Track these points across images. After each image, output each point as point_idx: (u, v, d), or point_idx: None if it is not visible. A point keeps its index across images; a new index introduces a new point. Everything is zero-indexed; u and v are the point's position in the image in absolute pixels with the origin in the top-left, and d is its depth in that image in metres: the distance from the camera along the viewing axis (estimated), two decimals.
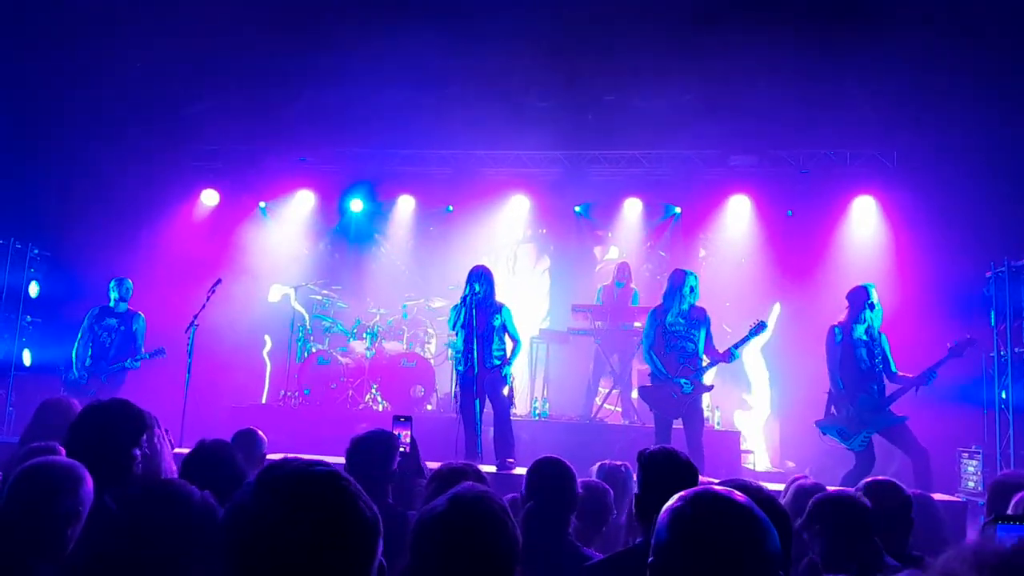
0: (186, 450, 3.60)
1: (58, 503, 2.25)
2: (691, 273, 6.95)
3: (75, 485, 2.30)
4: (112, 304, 8.06)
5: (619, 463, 4.37)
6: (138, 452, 2.56)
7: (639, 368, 9.10)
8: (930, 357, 6.57)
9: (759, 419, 10.30)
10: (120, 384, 7.90)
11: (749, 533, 1.38)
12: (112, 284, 8.10)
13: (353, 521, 1.14)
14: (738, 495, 1.44)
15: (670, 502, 1.47)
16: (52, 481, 2.28)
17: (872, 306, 6.60)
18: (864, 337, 6.59)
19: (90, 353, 7.92)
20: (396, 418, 4.23)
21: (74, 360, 7.94)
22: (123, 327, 8.01)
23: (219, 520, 1.23)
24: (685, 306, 6.83)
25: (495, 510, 1.85)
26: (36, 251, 9.88)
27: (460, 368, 7.11)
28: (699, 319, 6.88)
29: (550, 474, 3.22)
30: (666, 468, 2.68)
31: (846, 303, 6.70)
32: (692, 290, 6.87)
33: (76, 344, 7.98)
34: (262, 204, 11.50)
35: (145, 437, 2.83)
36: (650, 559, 1.43)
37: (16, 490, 2.28)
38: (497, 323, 7.03)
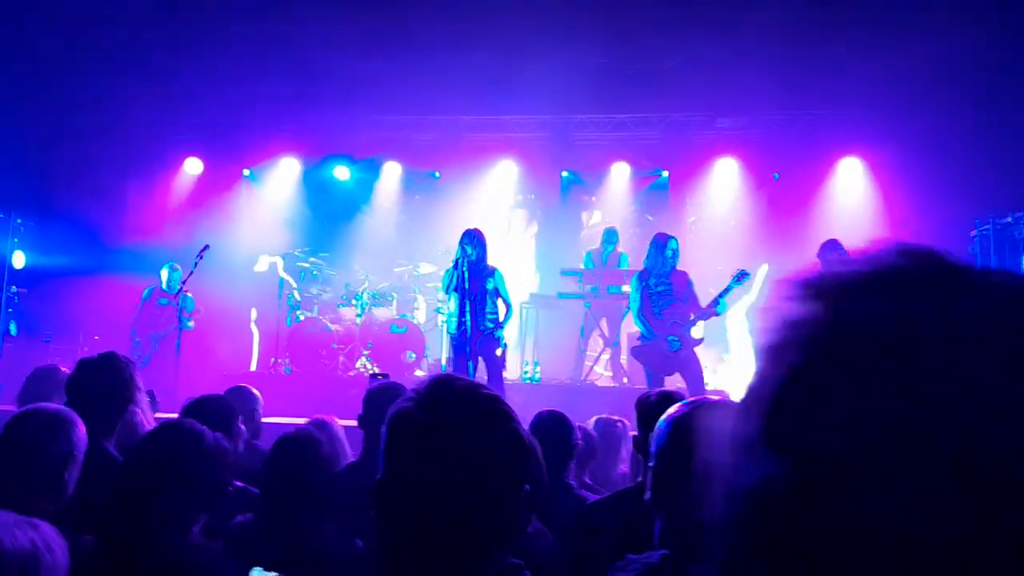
0: (174, 416, 3.62)
1: (51, 445, 2.28)
2: (672, 237, 7.09)
3: (67, 428, 2.33)
4: (164, 287, 9.04)
5: (615, 418, 4.44)
6: (140, 397, 2.58)
7: (628, 331, 9.16)
8: None
9: (740, 380, 10.40)
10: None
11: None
12: (166, 268, 9.13)
13: (512, 442, 1.17)
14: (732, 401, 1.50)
15: (670, 411, 1.51)
16: (42, 424, 2.32)
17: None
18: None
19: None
20: (373, 375, 4.27)
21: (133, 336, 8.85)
22: (174, 303, 8.61)
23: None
24: (668, 268, 6.96)
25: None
26: (20, 221, 9.77)
27: (453, 331, 7.13)
28: (681, 279, 7.00)
29: (550, 425, 3.30)
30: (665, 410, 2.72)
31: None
32: (674, 253, 7.00)
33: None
34: (247, 172, 11.39)
35: (139, 384, 2.86)
36: (651, 463, 1.47)
37: (8, 435, 2.30)
38: (490, 286, 7.05)
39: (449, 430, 1.13)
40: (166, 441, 2.06)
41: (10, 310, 9.67)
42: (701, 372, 7.03)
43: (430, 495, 1.10)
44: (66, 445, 2.29)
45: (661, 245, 7.03)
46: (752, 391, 0.51)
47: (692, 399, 1.54)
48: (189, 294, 8.71)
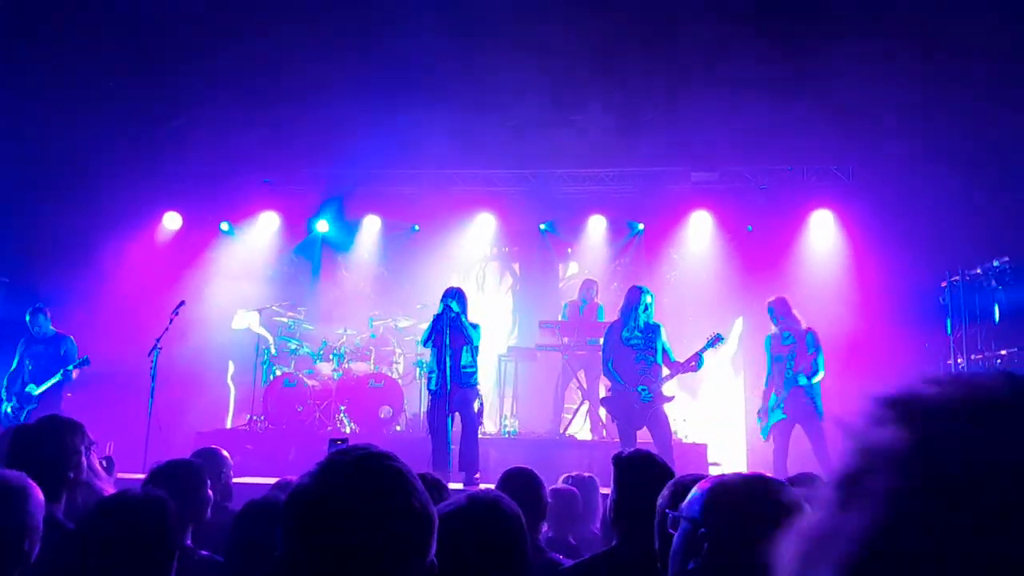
0: (141, 476, 3.55)
1: (6, 514, 2.17)
2: (646, 290, 7.21)
3: (21, 495, 2.22)
4: (33, 332, 8.19)
5: (586, 474, 4.41)
6: (83, 461, 2.53)
7: (606, 383, 9.17)
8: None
9: (727, 431, 10.39)
10: (56, 400, 7.89)
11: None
12: (28, 314, 8.24)
13: (412, 510, 1.17)
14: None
15: (705, 484, 1.54)
16: None
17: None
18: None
19: (13, 383, 8.11)
20: (332, 441, 4.23)
21: (3, 395, 7.92)
22: (51, 350, 7.99)
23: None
24: (641, 322, 7.04)
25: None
26: (4, 279, 9.68)
27: (432, 387, 7.14)
28: (655, 333, 7.06)
29: (520, 482, 3.25)
30: (642, 470, 2.70)
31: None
32: (647, 307, 7.12)
33: (5, 378, 7.98)
34: (224, 226, 11.36)
35: (84, 445, 2.80)
36: (703, 530, 1.49)
37: None
38: (476, 341, 7.15)
39: (341, 502, 1.14)
40: (113, 512, 2.02)
41: None
42: (669, 429, 7.11)
43: (325, 570, 1.11)
44: (21, 514, 2.20)
45: (635, 299, 7.13)
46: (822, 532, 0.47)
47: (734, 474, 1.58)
48: (70, 336, 8.29)
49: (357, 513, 1.14)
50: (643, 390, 6.91)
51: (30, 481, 2.30)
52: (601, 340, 8.94)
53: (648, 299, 7.15)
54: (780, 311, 7.43)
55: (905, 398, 0.48)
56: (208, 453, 4.10)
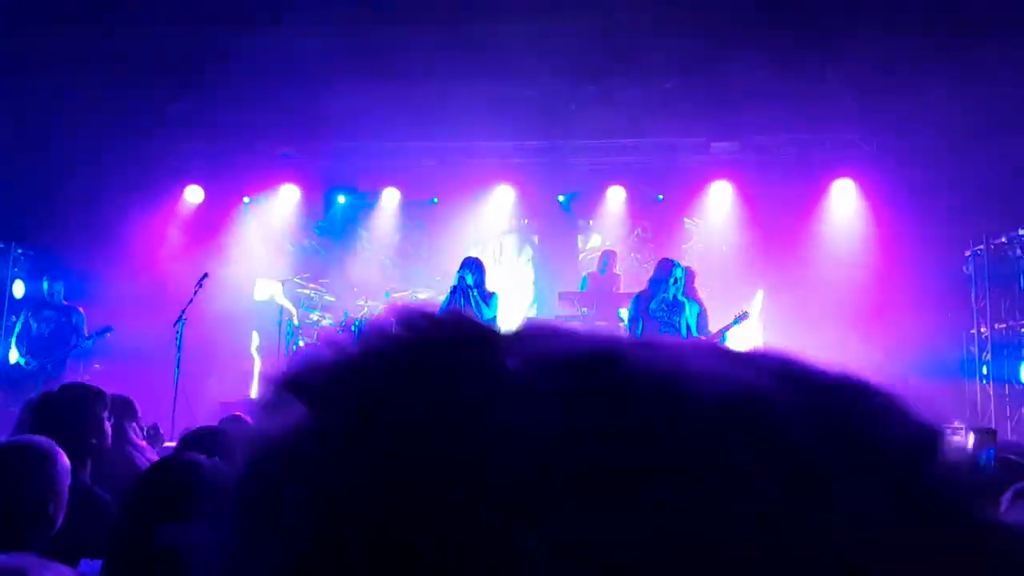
0: (173, 444, 3.64)
1: (30, 479, 2.23)
2: (678, 265, 7.11)
3: (44, 461, 2.27)
4: (48, 298, 8.33)
5: None
6: (107, 428, 2.60)
7: None
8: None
9: None
10: (62, 371, 8.05)
11: None
12: (45, 280, 8.42)
13: None
14: None
15: None
16: (18, 459, 2.27)
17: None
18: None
19: (26, 345, 8.26)
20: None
21: (15, 346, 8.09)
22: (62, 317, 8.14)
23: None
24: (669, 296, 6.97)
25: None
26: (20, 251, 9.83)
27: None
28: (680, 309, 7.02)
29: None
30: None
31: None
32: (676, 281, 7.03)
33: (13, 336, 8.17)
34: (246, 199, 11.46)
35: (107, 413, 2.88)
36: None
37: None
38: (487, 314, 7.14)
39: None
40: (162, 478, 2.07)
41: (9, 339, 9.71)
42: None
43: None
44: (45, 478, 2.25)
45: (666, 272, 7.05)
46: None
47: None
48: (80, 308, 8.44)
49: None
50: None
51: (56, 447, 2.34)
52: (621, 311, 8.99)
53: (679, 273, 7.09)
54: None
55: (298, 372, 0.39)
56: (236, 421, 4.19)
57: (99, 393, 2.92)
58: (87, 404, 2.79)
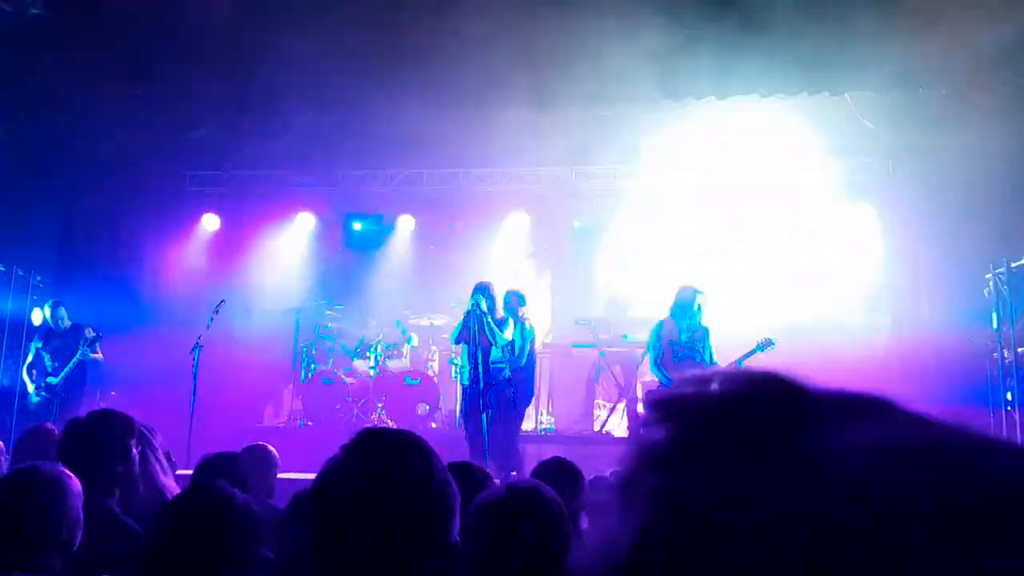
0: (189, 472, 3.62)
1: (39, 506, 2.23)
2: (699, 290, 7.13)
3: (51, 487, 2.28)
4: (53, 325, 8.35)
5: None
6: (134, 454, 2.58)
7: (643, 380, 9.15)
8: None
9: None
10: (80, 388, 8.02)
11: None
12: (47, 307, 8.49)
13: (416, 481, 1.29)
14: None
15: None
16: (25, 486, 2.27)
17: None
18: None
19: (38, 377, 8.29)
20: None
21: (27, 378, 8.13)
22: (69, 340, 8.15)
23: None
24: (694, 322, 6.99)
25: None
26: (39, 279, 9.90)
27: (465, 383, 7.17)
28: (706, 335, 7.03)
29: (554, 472, 3.22)
30: None
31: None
32: (699, 307, 7.04)
33: (23, 369, 8.21)
34: (264, 227, 11.49)
35: (134, 440, 2.85)
36: None
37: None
38: (501, 340, 7.12)
39: (343, 476, 1.33)
40: (196, 508, 2.04)
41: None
42: None
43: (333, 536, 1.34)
44: (53, 503, 2.25)
45: (688, 298, 7.08)
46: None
47: None
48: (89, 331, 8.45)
49: (358, 486, 1.21)
50: None
51: (65, 473, 2.35)
52: (637, 336, 8.95)
53: (700, 299, 7.11)
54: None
55: (667, 398, 0.51)
56: (258, 450, 4.17)
57: (127, 419, 2.91)
58: (114, 431, 2.77)
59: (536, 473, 3.29)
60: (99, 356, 8.37)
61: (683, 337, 7.01)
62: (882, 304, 9.31)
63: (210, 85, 9.35)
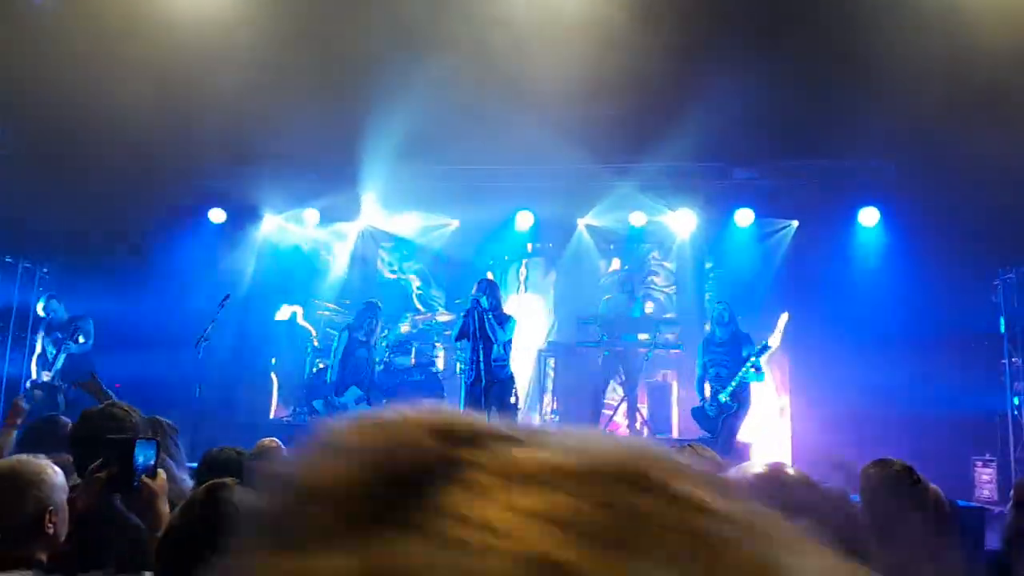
0: (194, 464, 3.62)
1: (17, 500, 2.24)
2: (728, 304, 7.64)
3: (28, 482, 2.28)
4: (46, 317, 8.57)
5: None
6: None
7: (645, 380, 9.18)
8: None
9: (769, 429, 10.25)
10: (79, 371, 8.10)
11: None
12: (41, 301, 8.64)
13: None
14: None
15: None
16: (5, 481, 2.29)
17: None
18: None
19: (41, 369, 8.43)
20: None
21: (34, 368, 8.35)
22: (66, 333, 8.28)
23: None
24: (727, 334, 7.55)
25: None
26: (45, 271, 9.92)
27: (468, 380, 7.19)
28: (747, 341, 7.59)
29: None
30: None
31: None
32: (731, 318, 7.71)
33: (34, 358, 8.28)
34: (269, 221, 11.49)
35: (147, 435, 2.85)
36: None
37: None
38: (502, 337, 7.14)
39: None
40: (212, 505, 2.02)
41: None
42: (731, 435, 7.48)
43: None
44: (33, 496, 2.25)
45: (721, 310, 7.77)
46: None
47: None
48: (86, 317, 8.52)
49: None
50: (708, 406, 7.64)
51: (46, 463, 2.36)
52: (641, 336, 8.98)
53: (732, 311, 7.80)
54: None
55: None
56: (265, 445, 4.17)
57: (138, 414, 2.90)
58: (125, 425, 2.76)
59: None
60: (82, 341, 8.38)
61: (714, 350, 7.78)
62: (887, 307, 9.26)
63: None
